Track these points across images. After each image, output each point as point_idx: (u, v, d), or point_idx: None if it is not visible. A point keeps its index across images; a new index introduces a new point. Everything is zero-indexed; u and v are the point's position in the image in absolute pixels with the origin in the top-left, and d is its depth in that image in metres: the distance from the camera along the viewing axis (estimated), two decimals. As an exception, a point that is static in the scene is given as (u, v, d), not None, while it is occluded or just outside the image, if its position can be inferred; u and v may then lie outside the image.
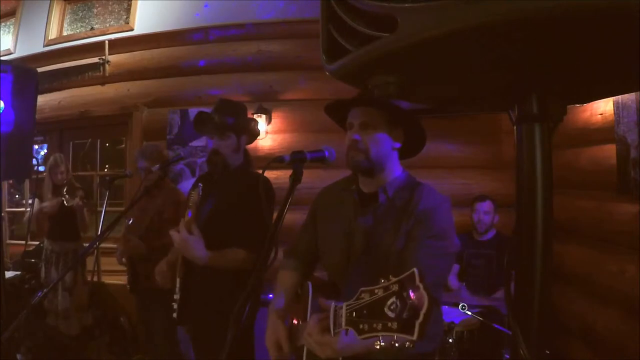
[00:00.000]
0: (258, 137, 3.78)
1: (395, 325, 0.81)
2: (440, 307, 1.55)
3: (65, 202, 3.44)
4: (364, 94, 1.34)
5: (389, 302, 0.84)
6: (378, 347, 0.84)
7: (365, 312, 0.90)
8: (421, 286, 0.81)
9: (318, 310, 1.17)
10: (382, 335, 0.84)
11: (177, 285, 2.02)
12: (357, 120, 1.42)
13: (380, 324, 0.84)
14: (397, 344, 0.81)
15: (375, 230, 1.39)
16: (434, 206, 1.37)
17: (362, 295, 0.92)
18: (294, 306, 1.49)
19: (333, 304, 1.06)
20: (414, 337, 0.78)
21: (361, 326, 0.89)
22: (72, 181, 3.78)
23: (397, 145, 1.45)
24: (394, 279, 0.86)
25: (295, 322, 1.45)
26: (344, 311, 0.97)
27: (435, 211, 1.35)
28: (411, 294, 0.81)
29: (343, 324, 0.97)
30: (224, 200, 2.03)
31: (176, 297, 2.02)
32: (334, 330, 1.04)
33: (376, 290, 0.88)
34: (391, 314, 0.83)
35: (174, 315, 2.02)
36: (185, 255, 1.92)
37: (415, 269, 0.83)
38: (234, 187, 2.02)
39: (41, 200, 3.67)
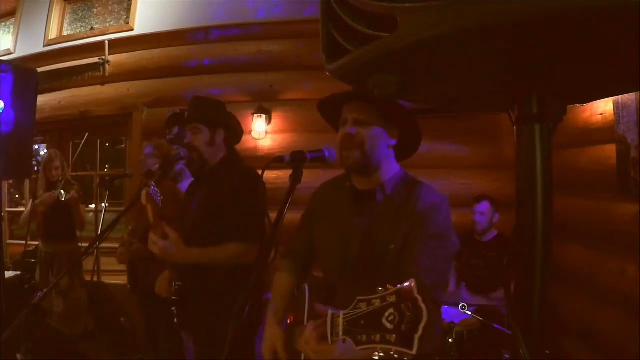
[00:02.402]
0: (258, 137, 3.86)
1: (393, 338, 0.80)
2: (440, 308, 1.54)
3: (60, 198, 3.34)
4: (358, 89, 1.33)
5: (386, 314, 0.82)
6: (377, 357, 0.83)
7: (362, 322, 0.88)
8: (419, 298, 0.79)
9: (315, 313, 1.16)
10: (380, 347, 0.82)
11: (173, 290, 2.01)
12: (351, 115, 1.37)
13: (379, 336, 0.82)
14: (396, 356, 0.80)
15: (373, 230, 1.36)
16: (434, 206, 1.33)
17: (359, 304, 0.90)
18: (290, 307, 1.49)
19: (330, 311, 1.04)
20: (413, 352, 0.77)
21: (359, 337, 0.87)
22: (68, 178, 3.67)
23: (393, 142, 1.40)
24: (391, 289, 0.84)
25: (290, 321, 1.45)
26: (341, 320, 0.96)
27: (435, 211, 1.32)
28: (409, 306, 0.79)
29: (340, 333, 0.95)
30: (209, 197, 2.02)
31: (174, 299, 2.01)
32: (331, 338, 1.02)
33: (373, 300, 0.86)
34: (389, 326, 0.81)
35: (175, 320, 2.02)
36: (170, 261, 1.90)
37: (413, 280, 0.82)
38: (219, 182, 2.00)
39: (35, 199, 3.57)
